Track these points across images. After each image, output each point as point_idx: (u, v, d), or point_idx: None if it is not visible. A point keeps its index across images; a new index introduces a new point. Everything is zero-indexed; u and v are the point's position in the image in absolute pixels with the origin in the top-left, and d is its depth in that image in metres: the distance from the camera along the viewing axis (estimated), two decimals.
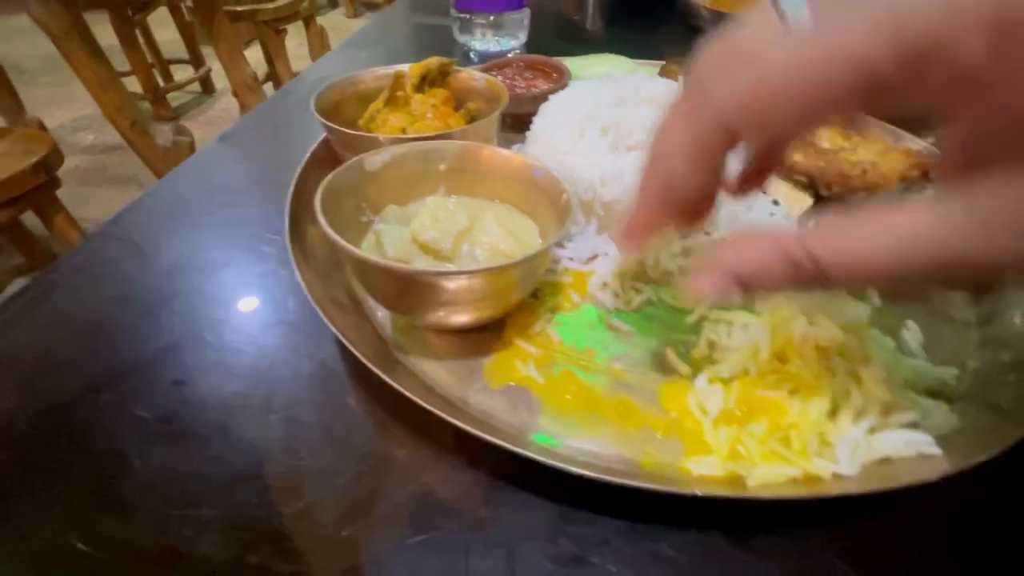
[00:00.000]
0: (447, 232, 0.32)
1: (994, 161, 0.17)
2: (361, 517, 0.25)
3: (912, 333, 0.31)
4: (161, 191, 0.47)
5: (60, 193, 1.34)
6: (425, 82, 0.46)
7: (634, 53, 0.60)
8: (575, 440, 0.27)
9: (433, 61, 0.45)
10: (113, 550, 0.24)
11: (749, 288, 0.22)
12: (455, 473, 0.27)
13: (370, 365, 0.27)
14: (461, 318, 0.31)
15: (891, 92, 0.18)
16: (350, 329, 0.30)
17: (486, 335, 0.32)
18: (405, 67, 0.45)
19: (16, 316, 0.35)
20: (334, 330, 0.29)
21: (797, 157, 0.41)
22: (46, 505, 0.25)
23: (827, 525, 0.25)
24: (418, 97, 0.45)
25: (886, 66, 0.17)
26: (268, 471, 0.27)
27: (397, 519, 0.25)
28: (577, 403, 0.29)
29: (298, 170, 0.40)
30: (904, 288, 0.22)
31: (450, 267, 0.31)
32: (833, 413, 0.26)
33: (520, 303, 0.33)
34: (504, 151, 0.36)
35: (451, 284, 0.28)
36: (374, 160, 0.34)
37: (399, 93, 0.45)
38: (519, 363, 0.31)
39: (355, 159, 0.34)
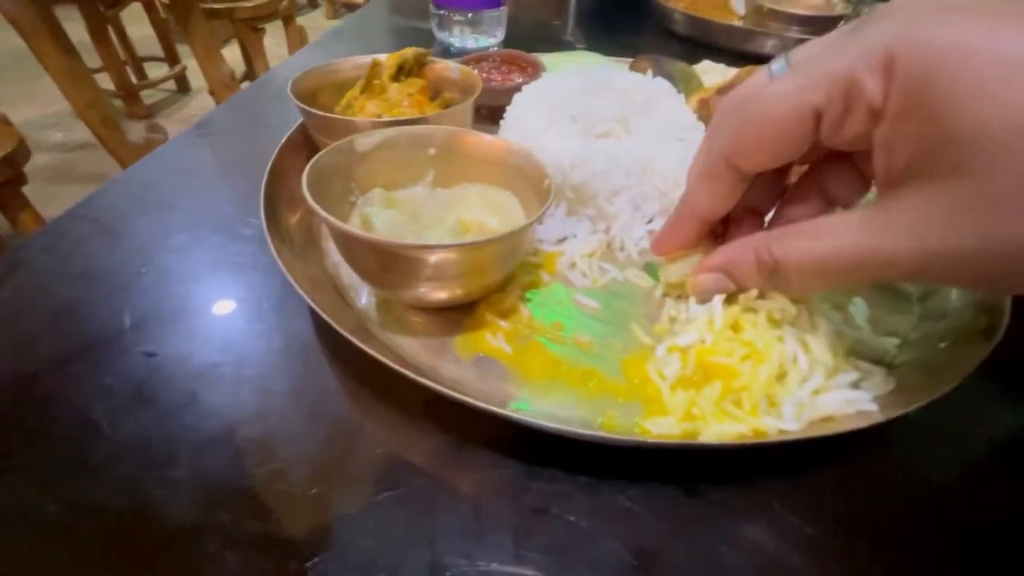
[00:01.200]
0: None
1: (908, 178, 0.21)
2: (330, 477, 0.26)
3: (858, 308, 0.33)
4: (132, 175, 0.47)
5: (27, 191, 1.31)
6: (402, 72, 0.47)
7: (608, 52, 0.62)
8: (541, 405, 0.28)
9: (409, 51, 0.46)
10: (82, 511, 0.24)
11: (734, 280, 0.29)
12: (424, 436, 0.28)
13: (343, 332, 0.28)
14: (443, 294, 0.31)
15: (833, 127, 0.23)
16: (324, 305, 0.31)
17: (459, 313, 0.33)
18: (382, 56, 0.46)
19: None
20: (309, 301, 0.29)
21: None
22: (13, 470, 0.26)
23: (775, 479, 0.26)
24: (394, 86, 0.46)
25: (825, 107, 0.23)
26: (239, 436, 0.27)
27: (365, 478, 0.26)
28: (543, 371, 0.30)
29: (275, 153, 0.41)
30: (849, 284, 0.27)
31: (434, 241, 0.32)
32: (781, 377, 0.28)
33: (502, 282, 0.34)
34: (489, 137, 0.37)
35: (434, 257, 0.28)
36: (365, 142, 0.35)
37: (376, 81, 0.46)
38: (489, 336, 0.32)
39: (346, 140, 0.34)
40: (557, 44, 0.78)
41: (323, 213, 0.28)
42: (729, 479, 0.26)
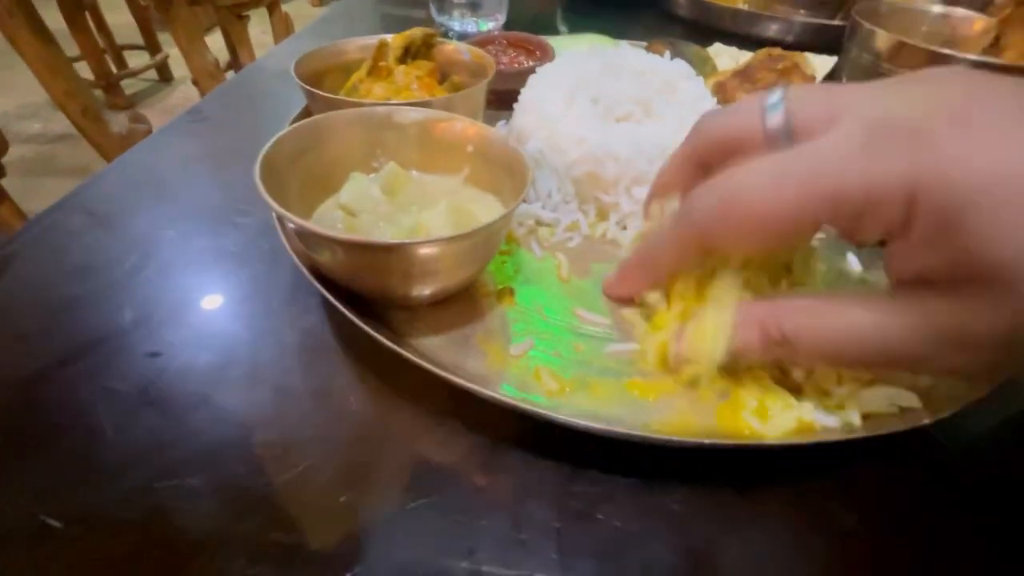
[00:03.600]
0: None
1: (930, 284, 0.21)
2: (358, 483, 0.24)
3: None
4: (124, 165, 0.44)
5: (5, 183, 1.26)
6: (408, 54, 0.45)
7: (615, 35, 0.60)
8: (572, 406, 0.27)
9: (417, 31, 0.44)
10: (88, 525, 0.22)
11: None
12: (454, 437, 0.26)
13: (361, 324, 0.26)
14: (405, 291, 0.29)
15: (839, 230, 0.22)
16: (340, 298, 0.29)
17: (477, 303, 0.32)
18: (389, 37, 0.44)
19: None
20: (324, 293, 0.28)
21: None
22: (11, 482, 0.24)
23: (826, 476, 0.25)
24: (401, 68, 0.44)
25: (831, 219, 0.21)
26: (257, 440, 0.25)
27: (396, 484, 0.24)
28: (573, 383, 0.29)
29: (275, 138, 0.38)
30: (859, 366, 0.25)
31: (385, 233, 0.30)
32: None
33: (474, 277, 0.32)
34: (471, 123, 0.34)
35: (394, 255, 0.26)
36: (406, 115, 0.34)
37: (382, 63, 0.43)
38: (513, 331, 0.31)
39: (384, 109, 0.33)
40: (558, 28, 0.76)
41: (278, 206, 0.26)
42: (778, 477, 0.25)
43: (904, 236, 0.21)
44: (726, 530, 0.23)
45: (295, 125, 0.31)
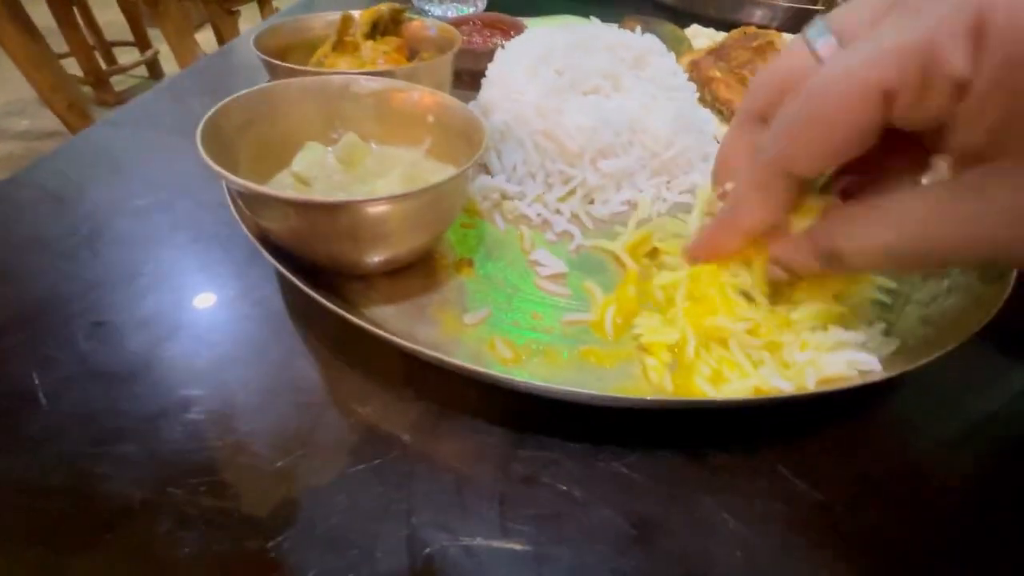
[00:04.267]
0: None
1: (994, 158, 0.19)
2: (297, 450, 0.23)
3: None
4: (88, 138, 0.43)
5: None
6: (376, 30, 0.44)
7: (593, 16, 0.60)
8: (526, 373, 0.26)
9: (384, 7, 0.44)
10: (18, 490, 0.21)
11: (788, 271, 0.25)
12: (400, 404, 0.25)
13: (310, 291, 0.26)
14: (362, 256, 0.28)
15: (907, 109, 0.19)
16: (291, 267, 0.28)
17: (436, 277, 0.31)
18: (355, 13, 0.43)
19: None
20: (268, 256, 0.27)
21: None
22: None
23: (778, 442, 0.24)
24: (369, 44, 0.43)
25: (899, 87, 0.19)
26: (196, 407, 0.25)
27: (337, 450, 0.23)
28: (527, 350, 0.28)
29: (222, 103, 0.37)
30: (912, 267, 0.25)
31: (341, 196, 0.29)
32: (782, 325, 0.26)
33: (428, 245, 0.32)
34: (426, 91, 0.33)
35: (347, 215, 0.25)
36: (364, 85, 0.33)
37: (348, 39, 0.43)
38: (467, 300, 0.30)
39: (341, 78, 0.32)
40: (538, 10, 0.75)
41: (225, 172, 0.25)
42: (732, 443, 0.24)
43: (967, 95, 0.18)
44: (675, 495, 0.22)
45: (243, 92, 0.30)
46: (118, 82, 2.20)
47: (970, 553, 0.22)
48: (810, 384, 0.24)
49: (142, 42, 2.23)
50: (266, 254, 0.27)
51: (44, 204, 0.36)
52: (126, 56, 2.23)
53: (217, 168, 0.25)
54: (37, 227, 0.34)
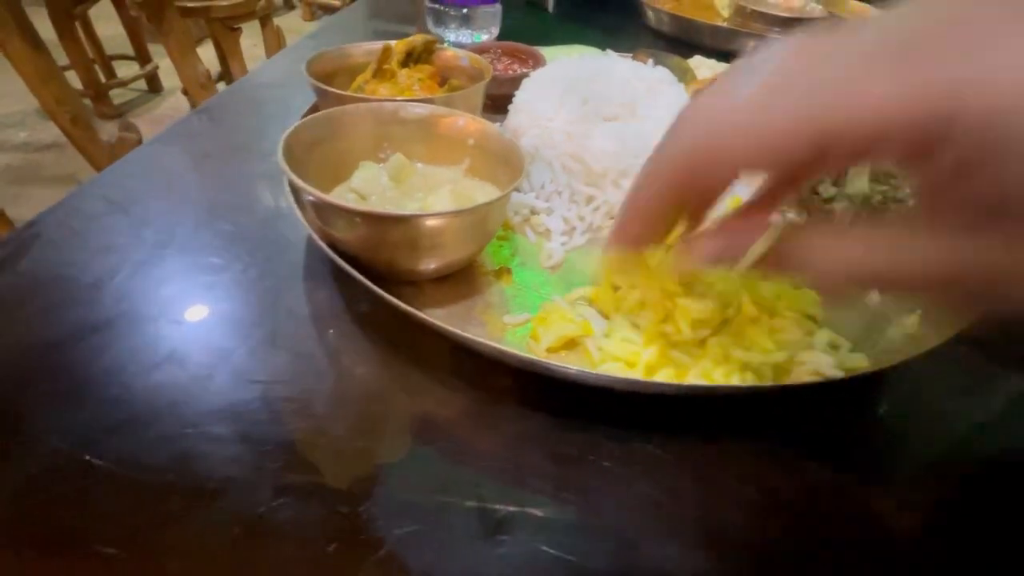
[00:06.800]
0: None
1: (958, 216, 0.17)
2: (368, 432, 0.27)
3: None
4: (131, 160, 0.46)
5: None
6: (411, 58, 0.48)
7: (602, 48, 0.64)
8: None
9: (418, 38, 0.48)
10: (126, 465, 0.24)
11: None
12: (455, 394, 0.29)
13: (383, 293, 0.29)
14: (409, 265, 0.32)
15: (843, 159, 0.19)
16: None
17: (477, 280, 0.35)
18: (393, 42, 0.47)
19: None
20: (340, 262, 0.30)
21: None
22: (53, 432, 0.25)
23: (781, 428, 0.28)
24: (404, 71, 0.47)
25: (803, 156, 0.17)
26: (273, 396, 0.28)
27: (405, 433, 0.27)
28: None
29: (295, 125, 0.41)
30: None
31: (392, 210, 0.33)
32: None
33: (474, 255, 0.35)
34: (472, 118, 0.37)
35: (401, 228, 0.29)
36: (412, 110, 0.37)
37: (386, 66, 0.47)
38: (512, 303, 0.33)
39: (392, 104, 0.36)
40: (546, 40, 0.80)
41: (299, 180, 0.28)
42: (740, 429, 0.28)
43: (926, 170, 0.17)
44: (697, 473, 0.26)
45: (312, 116, 0.34)
46: (117, 95, 2.22)
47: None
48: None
49: (142, 56, 2.26)
50: (340, 261, 0.30)
51: (110, 216, 0.39)
52: (125, 70, 2.25)
53: (300, 182, 0.28)
54: (108, 236, 0.37)
